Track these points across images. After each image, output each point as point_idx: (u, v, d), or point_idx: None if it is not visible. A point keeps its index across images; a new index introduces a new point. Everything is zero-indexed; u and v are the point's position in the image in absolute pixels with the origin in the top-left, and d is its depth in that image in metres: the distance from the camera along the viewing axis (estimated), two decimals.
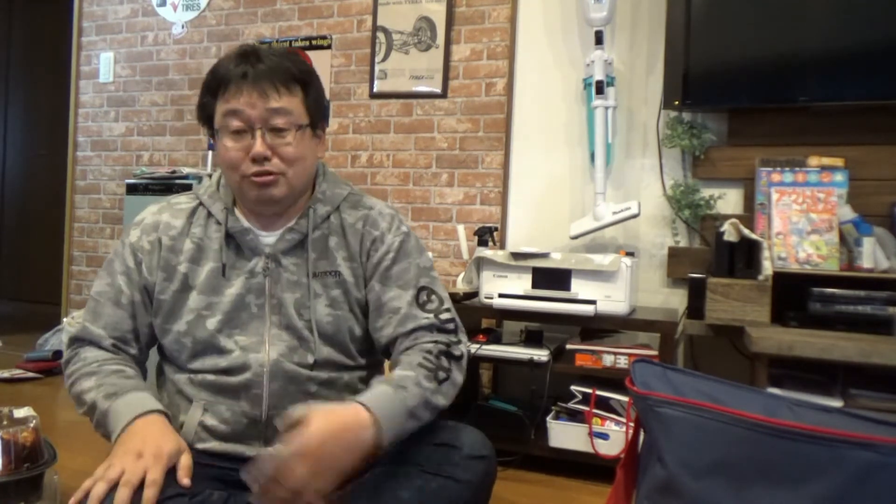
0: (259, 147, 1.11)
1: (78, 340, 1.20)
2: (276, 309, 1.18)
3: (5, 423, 1.36)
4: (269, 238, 1.21)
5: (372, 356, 1.28)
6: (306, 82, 1.17)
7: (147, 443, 1.00)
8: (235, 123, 1.12)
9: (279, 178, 1.14)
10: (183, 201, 1.26)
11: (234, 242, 1.20)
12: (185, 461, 1.02)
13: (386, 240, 1.23)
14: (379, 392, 1.04)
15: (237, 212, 1.22)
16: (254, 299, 1.18)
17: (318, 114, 1.20)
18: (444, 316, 1.20)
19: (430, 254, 1.32)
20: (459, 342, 1.19)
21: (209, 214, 1.22)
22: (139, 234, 1.22)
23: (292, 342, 1.18)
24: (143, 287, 1.20)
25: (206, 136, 3.15)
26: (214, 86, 1.15)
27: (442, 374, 1.11)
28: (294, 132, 1.14)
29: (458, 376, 1.16)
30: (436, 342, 1.16)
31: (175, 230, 1.21)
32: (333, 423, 0.95)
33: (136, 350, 1.21)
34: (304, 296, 1.19)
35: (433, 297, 1.21)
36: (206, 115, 1.18)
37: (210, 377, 1.16)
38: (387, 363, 1.30)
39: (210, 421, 1.15)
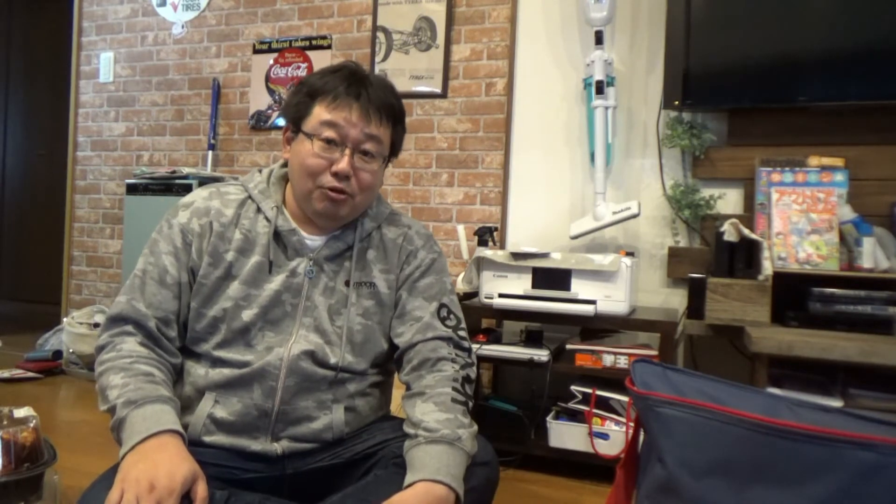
0: (345, 165, 1.16)
1: (121, 319, 1.16)
2: (309, 311, 1.20)
3: (5, 423, 1.36)
4: (313, 242, 1.23)
5: (385, 369, 1.30)
6: (400, 120, 1.25)
7: (159, 469, 0.96)
8: (330, 134, 1.16)
9: (349, 199, 1.19)
10: (232, 192, 1.26)
11: (281, 241, 1.22)
12: (201, 492, 0.99)
13: (419, 255, 1.30)
14: (440, 454, 1.06)
15: (286, 211, 1.24)
16: (290, 298, 1.20)
17: (397, 149, 1.28)
18: (461, 334, 1.27)
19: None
20: (473, 363, 1.25)
21: (258, 209, 1.24)
22: (189, 216, 1.22)
23: (319, 344, 1.19)
24: (189, 268, 1.20)
25: (205, 137, 3.15)
26: (316, 92, 1.19)
27: (470, 403, 1.18)
28: (378, 161, 1.21)
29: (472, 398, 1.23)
30: (454, 366, 1.21)
31: (226, 218, 1.22)
32: None
33: (175, 332, 1.19)
34: (339, 302, 1.22)
35: (452, 315, 1.28)
36: (296, 114, 1.20)
37: (227, 371, 1.16)
38: (397, 387, 1.32)
39: (220, 413, 1.15)
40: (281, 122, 2.96)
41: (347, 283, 1.23)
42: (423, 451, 1.07)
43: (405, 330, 1.25)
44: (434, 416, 1.11)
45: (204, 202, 1.24)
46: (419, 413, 1.13)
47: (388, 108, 1.21)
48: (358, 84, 1.18)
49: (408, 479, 1.04)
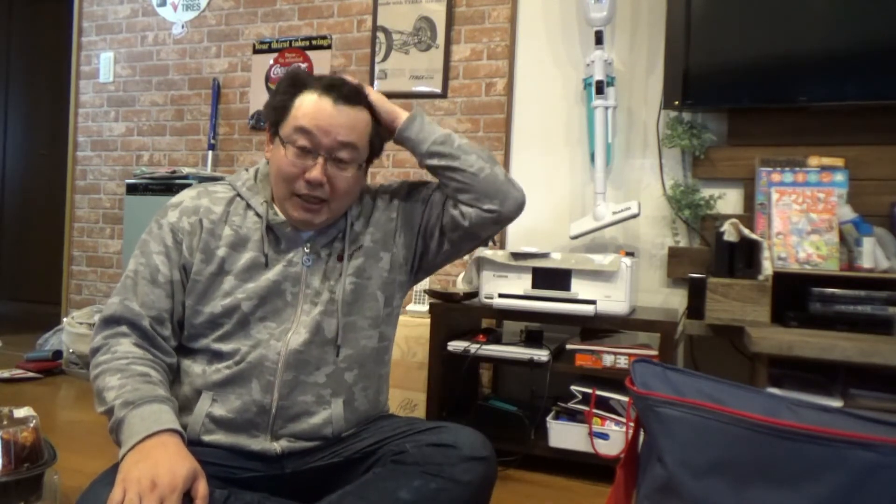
0: (317, 173, 1.16)
1: (114, 321, 1.16)
2: (310, 297, 1.21)
3: (5, 423, 1.36)
4: (305, 232, 1.24)
5: (387, 330, 1.31)
6: (376, 122, 1.26)
7: (160, 467, 0.96)
8: (303, 142, 1.17)
9: (324, 206, 1.20)
10: (220, 190, 1.27)
11: (273, 234, 1.23)
12: (202, 489, 0.99)
13: (397, 186, 1.35)
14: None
15: (275, 206, 1.25)
16: (290, 287, 1.20)
17: (377, 151, 1.28)
18: None
19: None
20: None
21: (247, 206, 1.24)
22: (178, 215, 1.22)
23: (317, 324, 1.19)
24: (182, 266, 1.20)
25: (205, 137, 3.16)
26: (295, 91, 1.19)
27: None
28: (353, 168, 1.21)
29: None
30: None
31: (215, 215, 1.22)
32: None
33: (170, 331, 1.19)
34: (333, 279, 1.23)
35: None
36: (275, 118, 1.21)
37: (224, 369, 1.16)
38: (394, 385, 1.32)
39: (218, 411, 1.15)
40: None
41: (340, 258, 1.24)
42: None
43: (440, 198, 1.31)
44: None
45: (192, 201, 1.24)
46: None
47: (361, 110, 1.21)
48: (331, 88, 1.18)
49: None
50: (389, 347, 1.34)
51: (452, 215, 1.27)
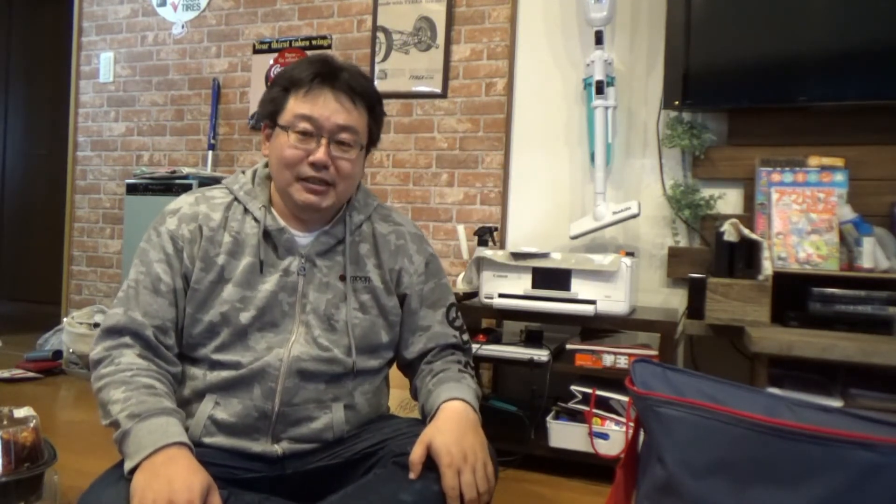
0: (321, 155, 1.16)
1: (116, 331, 1.14)
2: (306, 308, 1.20)
3: (5, 423, 1.36)
4: (303, 239, 1.23)
5: (383, 363, 1.30)
6: (375, 105, 1.25)
7: (175, 484, 0.95)
8: (305, 126, 1.16)
9: (330, 189, 1.19)
10: (217, 195, 1.25)
11: (271, 240, 1.22)
12: (217, 502, 0.98)
13: (415, 259, 1.30)
14: (448, 388, 1.18)
15: (273, 210, 1.24)
16: (286, 297, 1.20)
17: (376, 136, 1.27)
18: (465, 337, 1.34)
19: None
20: (470, 362, 1.33)
21: (245, 210, 1.23)
22: (177, 223, 1.21)
23: (320, 342, 1.19)
24: (183, 275, 1.19)
25: (205, 137, 3.16)
26: (289, 86, 1.19)
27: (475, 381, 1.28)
28: (356, 150, 1.21)
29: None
30: (460, 361, 1.29)
31: (214, 222, 1.21)
32: (449, 427, 1.10)
33: (173, 340, 1.18)
34: (336, 297, 1.22)
35: (458, 315, 1.34)
36: (272, 109, 1.21)
37: (225, 373, 1.16)
38: (396, 386, 1.35)
39: (220, 415, 1.15)
40: None
41: (342, 278, 1.23)
42: (434, 394, 1.18)
43: (414, 340, 1.29)
44: (451, 373, 1.24)
45: (191, 208, 1.23)
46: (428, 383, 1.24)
47: (361, 95, 1.20)
48: (329, 74, 1.18)
49: (428, 410, 1.18)
50: (392, 358, 1.34)
51: (403, 335, 1.30)
